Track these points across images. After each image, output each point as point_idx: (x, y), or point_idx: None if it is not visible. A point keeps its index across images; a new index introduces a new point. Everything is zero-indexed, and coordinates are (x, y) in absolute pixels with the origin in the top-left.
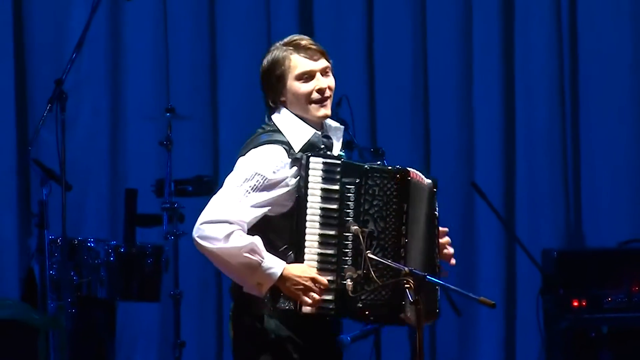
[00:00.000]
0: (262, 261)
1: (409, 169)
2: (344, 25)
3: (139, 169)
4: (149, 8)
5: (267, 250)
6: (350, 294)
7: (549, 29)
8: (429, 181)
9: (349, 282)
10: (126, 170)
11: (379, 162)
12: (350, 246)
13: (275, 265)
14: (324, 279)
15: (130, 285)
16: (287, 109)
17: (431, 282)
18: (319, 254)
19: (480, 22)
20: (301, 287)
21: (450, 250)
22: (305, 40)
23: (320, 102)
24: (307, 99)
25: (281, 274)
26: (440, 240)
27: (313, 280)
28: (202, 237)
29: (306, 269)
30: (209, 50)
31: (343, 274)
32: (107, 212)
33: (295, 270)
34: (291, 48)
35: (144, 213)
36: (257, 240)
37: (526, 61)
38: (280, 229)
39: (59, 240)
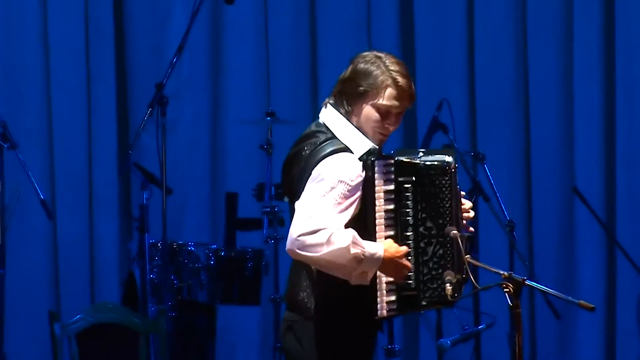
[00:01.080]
0: (364, 250)
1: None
2: (445, 28)
3: (239, 172)
4: (249, 12)
5: None
6: (450, 298)
7: None
8: (451, 159)
9: (448, 286)
10: (226, 174)
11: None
12: (411, 245)
13: (376, 249)
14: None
15: (231, 289)
16: (346, 117)
17: (530, 285)
18: None
19: (581, 25)
20: (401, 266)
21: (468, 215)
22: (404, 80)
23: (382, 137)
24: (373, 128)
25: (382, 254)
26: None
27: (404, 255)
28: (303, 248)
29: (396, 247)
30: (310, 54)
31: (430, 276)
32: (207, 216)
33: (390, 250)
34: (390, 79)
35: (244, 217)
36: (353, 232)
37: (627, 64)
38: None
39: (159, 244)
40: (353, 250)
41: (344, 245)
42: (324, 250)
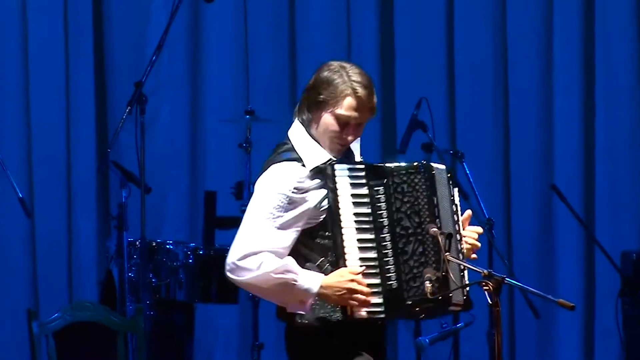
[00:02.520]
0: (296, 278)
1: (431, 164)
2: (425, 26)
3: (218, 171)
4: (229, 10)
5: (303, 266)
6: (430, 296)
7: (630, 29)
8: (443, 167)
9: (427, 284)
10: (205, 172)
11: (400, 163)
12: (388, 246)
13: (310, 279)
14: (363, 280)
15: (209, 287)
16: (305, 127)
17: (510, 283)
18: (361, 259)
19: (561, 24)
20: (344, 291)
21: (474, 242)
22: (363, 90)
23: (339, 147)
24: (330, 138)
25: (320, 285)
26: (468, 229)
27: (353, 281)
28: (234, 272)
29: (344, 273)
30: (289, 53)
31: (412, 275)
32: (186, 215)
33: (333, 277)
34: (351, 89)
35: (223, 215)
36: (288, 260)
37: (606, 62)
38: (313, 243)
39: (137, 243)
40: (279, 277)
41: (270, 270)
42: (253, 274)
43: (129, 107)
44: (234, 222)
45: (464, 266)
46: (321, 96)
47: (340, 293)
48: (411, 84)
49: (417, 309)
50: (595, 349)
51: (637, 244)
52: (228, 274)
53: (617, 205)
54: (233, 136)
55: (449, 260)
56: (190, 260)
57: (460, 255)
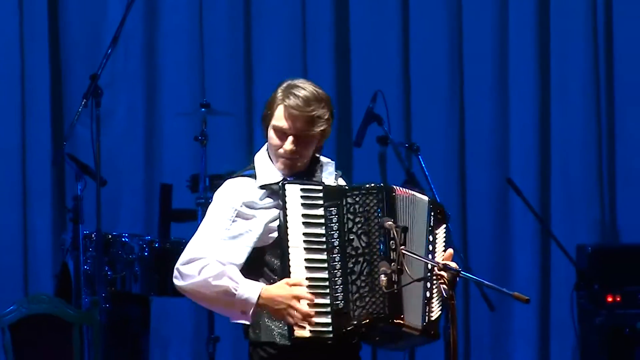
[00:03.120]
0: (237, 287)
1: (395, 186)
2: (380, 19)
3: (173, 164)
4: (184, 3)
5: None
6: (385, 289)
7: (584, 22)
8: (426, 199)
9: (382, 278)
10: (161, 165)
11: (363, 184)
12: (338, 266)
13: (251, 288)
14: (308, 294)
15: (165, 280)
16: (267, 149)
17: (465, 277)
18: (308, 279)
19: (516, 17)
20: (284, 306)
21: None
22: (296, 100)
23: (285, 160)
24: (274, 151)
25: (259, 295)
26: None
27: (294, 297)
28: (178, 278)
29: (286, 286)
30: (244, 46)
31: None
32: (141, 207)
33: (275, 289)
34: (282, 97)
35: (178, 208)
36: (229, 268)
37: (562, 57)
38: (269, 262)
39: (93, 235)
40: (216, 283)
41: (208, 276)
42: (193, 280)
43: (84, 100)
44: (190, 215)
45: (424, 262)
46: (267, 111)
47: (278, 307)
48: (366, 77)
49: (363, 329)
50: (551, 342)
51: (592, 238)
52: (174, 280)
53: (573, 199)
54: (189, 129)
55: (404, 254)
56: (146, 253)
57: (433, 294)
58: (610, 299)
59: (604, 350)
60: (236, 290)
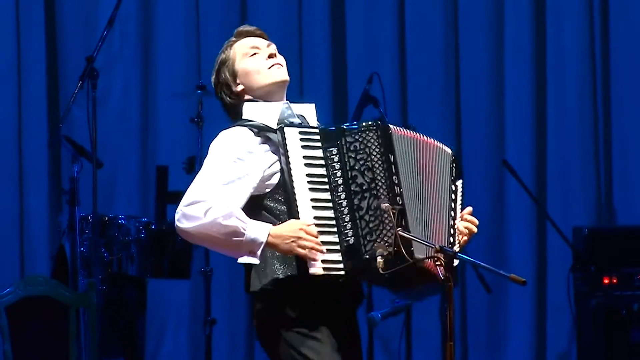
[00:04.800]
0: (245, 226)
1: (390, 124)
2: (376, 2)
3: (169, 146)
4: None
5: None
6: (381, 272)
7: (580, 3)
8: (447, 150)
9: (379, 259)
10: (157, 147)
11: (365, 121)
12: (344, 204)
13: (258, 228)
14: (313, 229)
15: (161, 262)
16: (247, 100)
17: (461, 259)
18: (315, 217)
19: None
20: (292, 239)
21: (466, 231)
22: (241, 29)
23: (274, 65)
24: (262, 68)
25: (268, 233)
26: (462, 221)
27: (302, 230)
28: (181, 219)
29: (294, 223)
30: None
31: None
32: (138, 189)
33: (283, 226)
34: (228, 44)
35: (174, 190)
36: (236, 209)
37: (558, 36)
38: (271, 207)
39: (89, 217)
40: (227, 224)
41: (217, 216)
42: (200, 222)
43: (80, 82)
44: None
45: (418, 242)
46: (226, 67)
47: (288, 241)
48: (363, 59)
49: (373, 265)
50: (547, 324)
51: (588, 220)
52: (177, 223)
53: (569, 180)
54: (185, 111)
55: (401, 236)
56: (142, 235)
57: (453, 241)
58: (606, 281)
59: (600, 331)
60: (245, 230)
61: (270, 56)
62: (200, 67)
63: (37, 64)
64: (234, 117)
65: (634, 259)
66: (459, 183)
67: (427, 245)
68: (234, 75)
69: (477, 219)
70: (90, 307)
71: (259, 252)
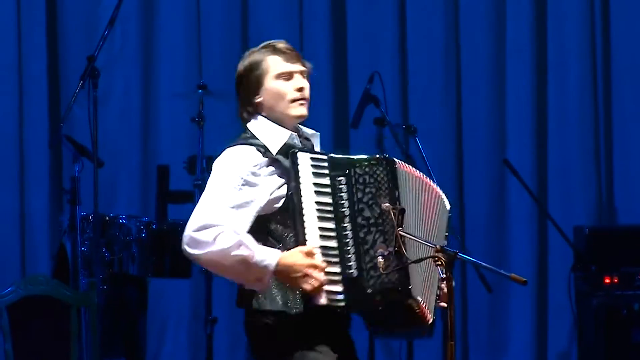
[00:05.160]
0: (253, 255)
1: (395, 159)
2: (377, 0)
3: (170, 145)
4: None
5: None
6: (382, 270)
7: (581, 3)
8: (446, 203)
9: (380, 259)
10: (158, 146)
11: (361, 155)
12: (350, 235)
13: (268, 256)
14: (323, 263)
15: (162, 261)
16: (262, 115)
17: (462, 258)
18: (322, 247)
19: None
20: (300, 274)
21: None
22: (282, 44)
23: (300, 100)
24: (287, 97)
25: (277, 263)
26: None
27: (312, 266)
28: (191, 246)
29: (303, 256)
30: (241, 26)
31: (372, 265)
32: (139, 189)
33: (292, 257)
34: (269, 50)
35: (175, 190)
36: (245, 237)
37: (558, 38)
38: (275, 230)
39: (90, 217)
40: (235, 253)
41: (227, 246)
42: (209, 249)
43: (81, 82)
44: (187, 197)
45: (419, 242)
46: (254, 74)
47: (296, 275)
48: (363, 59)
49: (378, 298)
50: (548, 324)
51: (589, 219)
52: (186, 247)
53: (570, 180)
54: (186, 110)
55: (401, 236)
56: (143, 235)
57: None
58: (607, 280)
59: (601, 331)
60: (253, 259)
61: (300, 89)
62: (201, 67)
63: (38, 63)
64: (244, 116)
65: (635, 259)
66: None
67: (428, 245)
68: (259, 86)
69: (478, 218)
70: (91, 307)
71: (266, 280)
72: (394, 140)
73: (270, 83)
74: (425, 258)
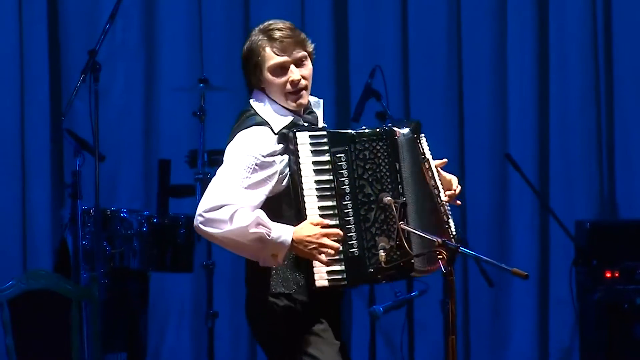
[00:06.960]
0: (270, 232)
1: (394, 128)
2: None
3: (172, 139)
4: None
5: None
6: (384, 265)
7: None
8: (407, 130)
9: (382, 253)
10: (159, 140)
11: (363, 127)
12: (350, 213)
13: (283, 232)
14: (334, 230)
15: (163, 255)
16: (266, 94)
17: (464, 253)
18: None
19: None
20: (315, 245)
21: (454, 188)
22: (279, 32)
23: (295, 93)
24: (281, 91)
25: (292, 238)
26: (443, 174)
27: (325, 235)
28: (206, 224)
29: (313, 228)
30: (243, 20)
31: (374, 242)
32: (140, 183)
33: (304, 231)
34: (265, 38)
35: (177, 184)
36: (260, 213)
37: (560, 31)
38: (277, 208)
39: (92, 211)
40: (253, 230)
41: (245, 224)
42: (226, 227)
43: (82, 76)
44: (188, 191)
45: (419, 235)
46: (253, 61)
47: (310, 247)
48: (365, 53)
49: (379, 276)
50: (550, 318)
51: (591, 214)
52: (200, 226)
53: (572, 174)
54: (187, 104)
55: (403, 230)
56: (145, 229)
57: (441, 204)
58: (608, 275)
59: (603, 326)
60: (269, 236)
61: (293, 83)
62: (203, 61)
63: (40, 57)
64: (250, 86)
65: (637, 253)
66: (424, 143)
67: (430, 239)
68: (260, 73)
69: (479, 213)
70: (92, 301)
71: (282, 256)
72: None
73: (267, 75)
74: (427, 252)
